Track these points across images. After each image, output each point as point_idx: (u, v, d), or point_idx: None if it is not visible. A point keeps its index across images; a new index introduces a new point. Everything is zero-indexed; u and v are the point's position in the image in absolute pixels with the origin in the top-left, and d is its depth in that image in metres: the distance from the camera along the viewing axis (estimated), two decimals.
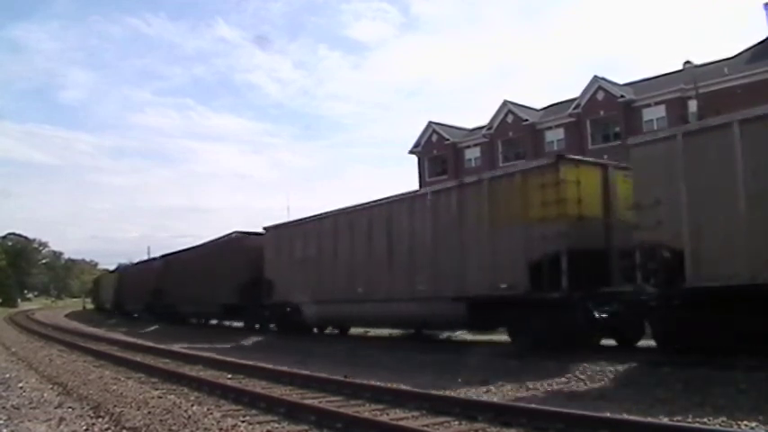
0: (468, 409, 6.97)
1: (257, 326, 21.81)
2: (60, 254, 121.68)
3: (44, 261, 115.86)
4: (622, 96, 34.76)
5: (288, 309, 19.07)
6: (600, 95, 35.76)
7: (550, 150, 35.91)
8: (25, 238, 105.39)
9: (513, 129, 40.18)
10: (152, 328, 28.38)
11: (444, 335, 16.24)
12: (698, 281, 9.07)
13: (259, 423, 6.65)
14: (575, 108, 36.72)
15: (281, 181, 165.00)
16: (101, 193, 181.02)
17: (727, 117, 9.27)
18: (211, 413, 7.05)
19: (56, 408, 7.79)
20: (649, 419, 6.16)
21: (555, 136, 38.48)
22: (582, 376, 9.21)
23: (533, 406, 6.84)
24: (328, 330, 20.23)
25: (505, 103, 40.83)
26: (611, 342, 12.02)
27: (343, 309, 16.88)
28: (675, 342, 9.68)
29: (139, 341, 19.49)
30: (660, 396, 7.74)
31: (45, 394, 8.88)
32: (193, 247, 29.62)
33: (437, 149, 44.52)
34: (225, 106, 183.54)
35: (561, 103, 39.73)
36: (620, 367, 9.30)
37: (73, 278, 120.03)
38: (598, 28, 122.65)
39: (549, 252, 11.05)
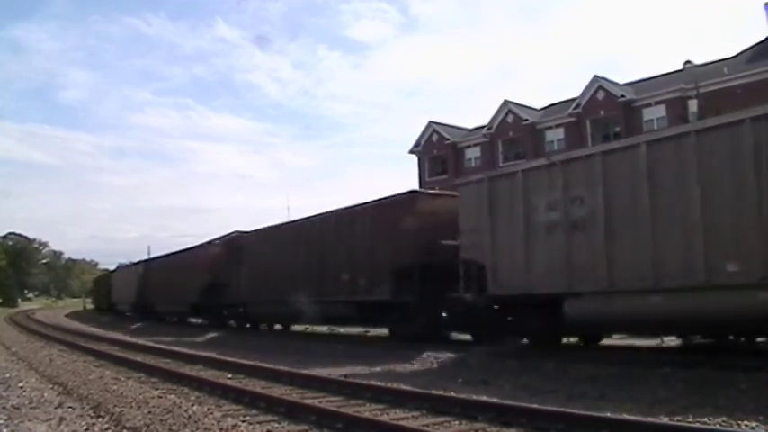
0: (469, 409, 6.97)
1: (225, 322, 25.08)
2: (60, 254, 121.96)
3: (44, 261, 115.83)
4: (622, 96, 34.73)
5: (240, 309, 22.76)
6: (600, 95, 35.73)
7: (551, 150, 35.90)
8: (25, 238, 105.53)
9: (514, 129, 40.16)
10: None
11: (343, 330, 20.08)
12: (495, 290, 11.97)
13: (259, 423, 6.65)
14: (575, 108, 36.70)
15: (281, 181, 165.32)
16: (101, 193, 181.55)
17: (515, 167, 13.43)
18: (212, 413, 7.04)
19: (56, 408, 7.78)
20: (649, 419, 6.16)
21: (555, 136, 38.46)
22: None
23: (534, 406, 6.84)
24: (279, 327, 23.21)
25: (506, 102, 40.80)
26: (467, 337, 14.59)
27: (279, 308, 19.68)
28: (485, 335, 12.96)
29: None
30: (660, 396, 7.75)
31: (45, 394, 8.87)
32: (169, 254, 33.81)
33: (437, 149, 44.48)
34: (225, 106, 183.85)
35: (561, 102, 39.69)
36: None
37: (73, 278, 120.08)
38: (598, 28, 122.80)
39: (406, 266, 14.10)
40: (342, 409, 7.10)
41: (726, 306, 8.77)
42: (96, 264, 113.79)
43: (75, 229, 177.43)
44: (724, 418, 6.31)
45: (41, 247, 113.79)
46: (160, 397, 8.31)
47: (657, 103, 33.56)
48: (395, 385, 8.75)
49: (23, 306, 70.97)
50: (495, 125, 40.97)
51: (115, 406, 7.58)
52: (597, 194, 10.37)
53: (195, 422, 6.49)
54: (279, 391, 8.91)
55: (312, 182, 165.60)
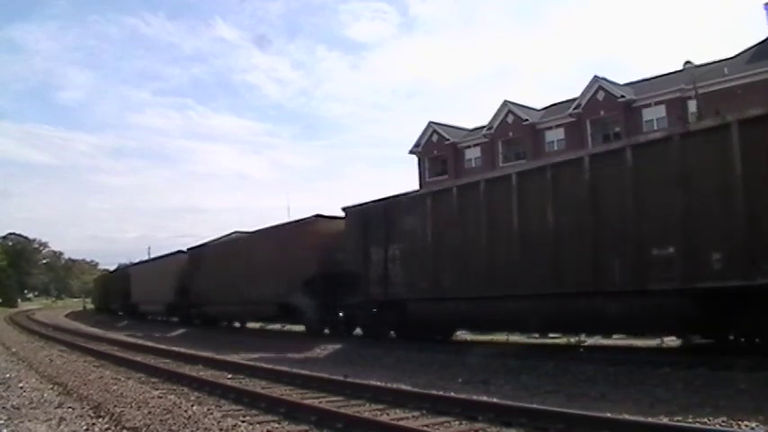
0: (469, 409, 6.97)
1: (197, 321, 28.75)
2: (60, 254, 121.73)
3: (44, 261, 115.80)
4: (622, 96, 34.74)
5: (201, 309, 26.45)
6: (600, 95, 35.74)
7: (551, 150, 35.95)
8: (25, 238, 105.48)
9: (514, 129, 40.16)
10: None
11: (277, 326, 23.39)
12: (368, 295, 15.24)
13: (259, 423, 6.65)
14: (575, 108, 36.71)
15: (280, 181, 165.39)
16: (100, 193, 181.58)
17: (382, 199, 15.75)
18: (212, 413, 7.04)
19: (56, 408, 7.77)
20: (649, 419, 6.15)
21: (555, 136, 38.47)
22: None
23: (534, 406, 6.84)
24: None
25: (505, 103, 40.80)
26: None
27: (226, 309, 24.48)
28: (369, 330, 16.13)
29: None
30: (660, 396, 7.75)
31: (45, 394, 8.86)
32: (149, 259, 39.92)
33: (437, 149, 44.47)
34: (224, 106, 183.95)
35: (561, 103, 39.70)
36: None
37: (73, 278, 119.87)
38: (598, 28, 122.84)
39: (311, 276, 17.28)
40: (342, 409, 7.11)
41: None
42: (96, 264, 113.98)
43: (75, 230, 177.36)
44: (724, 418, 6.31)
45: (41, 248, 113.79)
46: (160, 397, 8.30)
47: (657, 103, 33.59)
48: (395, 385, 8.75)
49: (23, 306, 70.93)
50: (495, 125, 40.97)
51: (115, 406, 7.58)
52: (427, 229, 13.59)
53: (195, 422, 6.49)
54: (279, 391, 8.92)
55: (312, 182, 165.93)
